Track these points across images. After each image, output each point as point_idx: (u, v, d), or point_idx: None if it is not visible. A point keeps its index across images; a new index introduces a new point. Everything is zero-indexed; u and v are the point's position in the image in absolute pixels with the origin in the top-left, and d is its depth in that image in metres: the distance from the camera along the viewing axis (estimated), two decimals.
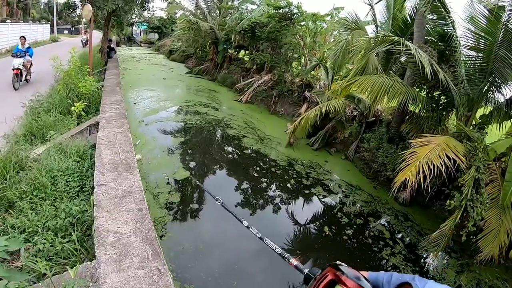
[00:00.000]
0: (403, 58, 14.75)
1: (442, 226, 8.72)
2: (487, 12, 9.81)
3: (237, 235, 8.59)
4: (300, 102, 21.23)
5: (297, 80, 22.25)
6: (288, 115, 21.24)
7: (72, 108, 12.62)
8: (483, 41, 10.29)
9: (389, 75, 12.28)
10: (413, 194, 11.29)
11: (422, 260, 9.27)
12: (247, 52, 30.01)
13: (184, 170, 11.88)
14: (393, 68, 14.76)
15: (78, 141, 9.55)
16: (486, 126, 11.33)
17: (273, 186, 12.05)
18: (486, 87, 10.72)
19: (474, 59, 11.13)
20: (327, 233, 9.46)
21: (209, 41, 31.93)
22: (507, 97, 10.69)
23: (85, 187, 7.58)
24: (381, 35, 9.74)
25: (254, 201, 10.91)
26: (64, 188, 7.23)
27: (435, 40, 12.46)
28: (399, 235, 10.16)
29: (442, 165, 8.20)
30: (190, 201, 10.24)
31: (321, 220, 10.33)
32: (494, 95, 10.98)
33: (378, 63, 12.76)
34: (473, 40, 10.63)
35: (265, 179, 12.48)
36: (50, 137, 9.75)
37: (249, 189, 11.61)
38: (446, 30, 11.86)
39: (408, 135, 12.65)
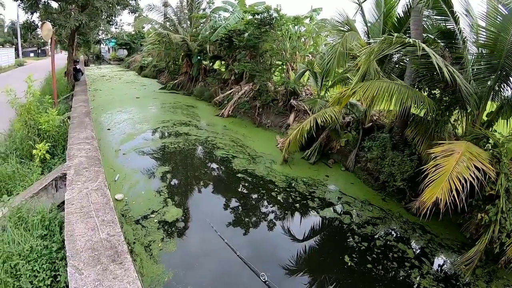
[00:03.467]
0: (395, 58, 14.44)
1: (479, 245, 8.27)
2: (503, 9, 9.61)
3: None
4: (286, 111, 20.74)
5: (281, 89, 21.68)
6: (275, 127, 20.66)
7: (34, 151, 10.73)
8: (493, 37, 10.11)
9: (390, 78, 11.77)
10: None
11: (452, 276, 8.81)
12: (223, 62, 29.43)
13: (176, 207, 10.72)
14: (386, 69, 14.28)
15: (42, 202, 7.86)
16: (493, 124, 11.17)
17: (277, 214, 11.28)
18: (494, 84, 10.49)
19: (485, 56, 10.85)
20: (349, 264, 8.80)
21: (182, 54, 31.32)
22: None
23: (59, 277, 5.90)
24: (395, 37, 9.21)
25: (260, 237, 10.15)
26: (32, 283, 5.66)
27: (434, 38, 12.07)
28: (422, 252, 9.73)
29: (473, 178, 7.65)
30: (192, 249, 9.03)
31: (339, 249, 9.60)
32: (501, 91, 10.78)
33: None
34: (484, 37, 10.44)
35: (267, 207, 11.66)
36: (3, 203, 7.64)
37: (251, 221, 10.77)
38: (447, 27, 11.53)
39: (413, 140, 12.15)
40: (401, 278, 8.56)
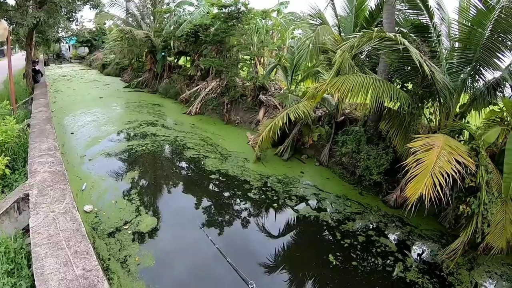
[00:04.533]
0: (365, 52, 14.45)
1: (462, 236, 8.42)
2: (480, 4, 9.70)
3: None
4: (256, 107, 20.52)
5: (249, 84, 21.40)
6: (245, 123, 20.44)
7: None
8: (468, 31, 10.35)
9: (364, 72, 11.76)
10: (403, 195, 11.06)
11: (435, 267, 8.98)
12: (188, 58, 28.86)
13: (149, 216, 10.16)
14: (358, 63, 14.25)
15: (4, 228, 7.04)
16: (466, 115, 11.42)
17: (254, 214, 11.07)
18: (467, 77, 10.73)
19: (459, 50, 11.10)
20: (334, 263, 8.71)
21: (146, 50, 30.46)
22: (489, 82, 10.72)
23: None
24: (375, 32, 9.17)
25: (240, 239, 9.95)
26: None
27: (407, 31, 12.12)
28: (404, 245, 9.85)
29: (455, 172, 7.69)
30: (172, 261, 8.44)
31: (323, 248, 9.49)
32: (474, 84, 11.01)
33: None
34: (460, 31, 10.66)
35: (244, 207, 11.37)
36: None
37: (228, 223, 10.49)
38: (421, 21, 11.64)
39: (388, 134, 12.20)
40: (387, 273, 8.59)
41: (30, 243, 6.03)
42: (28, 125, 13.49)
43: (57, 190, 7.93)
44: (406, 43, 9.04)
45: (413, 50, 9.05)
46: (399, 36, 9.11)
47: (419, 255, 9.59)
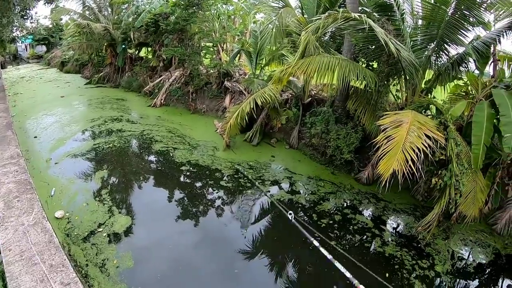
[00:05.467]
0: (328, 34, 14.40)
1: (436, 208, 8.63)
2: None
3: None
4: (221, 94, 20.30)
5: (213, 71, 21.07)
6: (211, 111, 20.16)
7: None
8: (430, 8, 10.42)
9: (329, 53, 11.70)
10: (374, 171, 11.19)
11: (412, 240, 9.18)
12: (149, 49, 28.17)
13: (123, 215, 9.79)
14: (323, 44, 14.18)
15: None
16: (431, 91, 11.65)
17: (229, 202, 10.93)
18: (432, 53, 10.90)
19: (423, 28, 11.18)
20: (313, 244, 8.67)
21: (105, 44, 29.40)
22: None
23: None
24: (341, 12, 9.09)
25: (217, 228, 9.77)
26: None
27: (370, 11, 12.12)
28: (380, 220, 10.01)
29: (426, 147, 7.77)
30: (151, 260, 8.14)
31: (302, 230, 9.31)
32: (438, 60, 11.21)
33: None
34: (424, 9, 10.80)
35: (218, 197, 11.17)
36: None
37: (204, 214, 10.29)
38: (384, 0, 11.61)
39: (356, 112, 12.25)
40: (366, 249, 8.71)
41: (2, 261, 5.66)
42: None
43: (24, 201, 7.72)
44: (371, 23, 9.05)
45: (378, 29, 9.09)
46: (364, 16, 9.06)
47: (395, 229, 9.74)
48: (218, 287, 7.52)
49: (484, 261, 8.67)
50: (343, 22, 9.59)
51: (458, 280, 8.07)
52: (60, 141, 16.09)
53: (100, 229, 9.09)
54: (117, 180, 12.43)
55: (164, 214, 10.24)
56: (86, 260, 7.85)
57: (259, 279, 7.95)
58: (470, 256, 8.82)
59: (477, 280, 8.25)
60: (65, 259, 5.69)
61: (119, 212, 9.98)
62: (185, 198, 11.12)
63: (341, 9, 9.38)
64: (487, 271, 8.50)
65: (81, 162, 13.62)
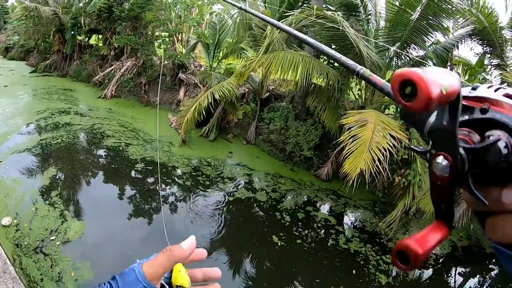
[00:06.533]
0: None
1: (400, 205, 8.86)
2: None
3: None
4: (175, 86, 19.69)
5: (167, 62, 20.46)
6: (165, 104, 19.40)
7: None
8: (395, 11, 10.77)
9: (292, 49, 11.62)
10: (334, 168, 11.32)
11: (374, 235, 9.43)
12: (100, 36, 26.94)
13: (77, 221, 8.97)
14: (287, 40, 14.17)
15: None
16: None
17: (188, 201, 10.53)
18: (395, 55, 11.29)
19: (387, 29, 11.49)
20: (279, 244, 8.58)
21: (53, 29, 27.79)
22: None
23: None
24: (314, 9, 9.07)
25: (173, 228, 9.26)
26: None
27: (335, 9, 12.16)
28: (342, 217, 10.23)
29: (392, 147, 7.87)
30: (113, 268, 7.35)
31: (265, 230, 9.32)
32: (399, 61, 11.59)
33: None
34: (389, 11, 10.97)
35: (176, 196, 10.77)
36: None
37: (158, 213, 9.74)
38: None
39: (316, 109, 12.23)
40: (332, 247, 8.77)
41: None
42: None
43: None
44: (345, 24, 9.08)
45: (350, 30, 9.11)
46: (339, 16, 9.08)
47: (358, 225, 9.90)
48: None
49: (443, 253, 9.05)
50: (313, 19, 9.49)
51: (419, 272, 8.39)
52: (3, 136, 14.65)
53: (53, 237, 8.29)
54: (67, 180, 11.51)
55: (121, 216, 9.63)
56: (41, 274, 7.16)
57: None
58: None
59: (435, 270, 8.62)
60: None
61: (72, 217, 9.17)
62: (139, 197, 10.58)
63: (315, 7, 9.30)
64: (446, 263, 8.93)
65: (27, 160, 12.45)
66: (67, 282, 6.99)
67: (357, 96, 12.01)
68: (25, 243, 8.02)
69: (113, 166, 12.71)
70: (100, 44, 26.89)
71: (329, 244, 8.85)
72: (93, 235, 8.58)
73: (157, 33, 22.53)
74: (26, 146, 13.58)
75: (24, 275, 6.81)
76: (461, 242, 9.44)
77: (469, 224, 9.48)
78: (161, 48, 21.42)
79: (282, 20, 10.11)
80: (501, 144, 0.57)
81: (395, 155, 8.49)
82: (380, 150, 7.72)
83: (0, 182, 10.66)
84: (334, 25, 9.21)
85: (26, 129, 15.78)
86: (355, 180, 7.70)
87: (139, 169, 12.22)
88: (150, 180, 11.73)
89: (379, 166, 7.61)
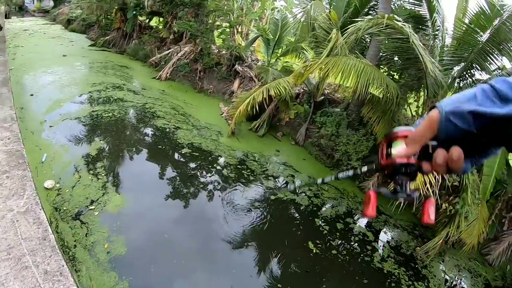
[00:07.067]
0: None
1: (443, 233, 8.73)
2: (486, 6, 9.78)
3: None
4: (230, 77, 19.98)
5: (225, 52, 20.77)
6: (218, 93, 19.85)
7: None
8: (464, 30, 10.54)
9: (355, 55, 11.56)
10: (379, 183, 11.22)
11: (410, 259, 9.23)
12: (161, 19, 27.64)
13: (117, 194, 9.29)
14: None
15: None
16: None
17: (230, 193, 10.65)
18: (459, 75, 10.99)
19: (454, 48, 11.17)
20: (314, 251, 8.64)
21: (116, 7, 28.87)
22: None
23: None
24: (385, 18, 8.99)
25: (214, 216, 9.55)
26: None
27: (401, 20, 12.01)
28: (381, 234, 10.12)
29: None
30: (144, 248, 7.75)
31: (300, 234, 9.42)
32: (461, 82, 11.25)
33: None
34: (458, 30, 10.71)
35: (219, 187, 10.89)
36: None
37: (202, 202, 10.07)
38: (420, 12, 11.53)
39: (370, 120, 12.13)
40: (365, 263, 8.66)
41: None
42: None
43: (14, 179, 6.48)
44: (415, 39, 8.93)
45: (418, 43, 8.99)
46: (409, 28, 8.96)
47: (394, 245, 9.73)
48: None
49: None
50: (381, 28, 9.44)
51: None
52: (57, 102, 15.55)
53: (92, 207, 8.63)
54: (113, 154, 11.97)
55: (159, 196, 9.90)
56: (75, 241, 7.47)
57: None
58: (463, 283, 9.06)
59: None
60: (63, 265, 4.62)
61: (113, 190, 9.50)
62: (184, 182, 10.84)
63: (385, 15, 9.21)
64: None
65: (77, 129, 13.04)
66: (99, 253, 7.23)
67: (414, 113, 11.78)
68: (64, 208, 8.37)
69: (160, 146, 13.06)
70: (160, 27, 27.59)
71: (363, 260, 8.76)
72: (131, 211, 8.86)
73: (217, 23, 22.80)
74: (77, 115, 14.21)
75: (58, 239, 7.07)
76: (495, 282, 9.19)
77: (506, 263, 9.24)
78: (220, 38, 21.76)
79: (350, 26, 10.13)
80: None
81: (447, 180, 8.32)
82: (433, 173, 7.57)
83: (48, 146, 11.20)
84: (401, 37, 9.10)
85: (79, 98, 16.49)
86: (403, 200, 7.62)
87: (184, 153, 12.52)
88: (193, 165, 12.01)
89: (429, 190, 7.50)
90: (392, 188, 1.34)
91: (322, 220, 9.98)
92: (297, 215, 10.26)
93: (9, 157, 7.03)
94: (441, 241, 8.63)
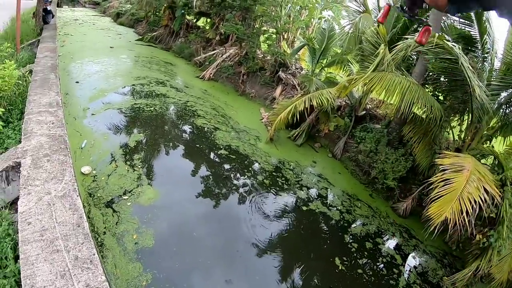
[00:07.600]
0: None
1: (473, 265, 8.57)
2: None
3: None
4: (273, 83, 20.18)
5: (269, 58, 21.02)
6: (259, 98, 20.08)
7: None
8: None
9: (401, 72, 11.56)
10: (413, 205, 11.12)
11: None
12: (208, 20, 28.21)
13: (151, 188, 9.68)
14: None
15: None
16: (491, 139, 11.37)
17: (263, 199, 10.84)
18: (506, 101, 10.73)
19: (502, 73, 10.89)
20: (339, 268, 8.73)
21: (165, 5, 29.70)
22: None
23: None
24: (436, 37, 9.09)
25: (243, 220, 9.75)
26: None
27: (450, 40, 11.90)
28: (409, 259, 9.97)
29: (483, 202, 7.63)
30: (172, 244, 8.01)
31: (326, 248, 9.53)
32: (507, 109, 10.95)
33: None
34: (509, 54, 10.44)
35: (251, 192, 11.10)
36: None
37: (236, 212, 10.18)
38: (471, 33, 11.37)
39: (410, 140, 12.03)
40: (390, 286, 8.64)
41: (17, 230, 4.91)
42: (30, 71, 12.02)
43: (55, 163, 6.53)
44: (464, 61, 8.89)
45: (467, 66, 8.95)
46: (459, 50, 8.92)
47: (421, 272, 9.60)
48: None
49: None
50: (430, 46, 9.44)
51: None
52: (101, 92, 16.32)
53: (126, 197, 9.01)
54: (151, 147, 12.44)
55: (191, 193, 10.20)
56: (105, 228, 7.85)
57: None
58: None
59: None
60: (94, 254, 4.72)
61: (148, 184, 9.88)
62: (214, 182, 11.14)
63: (436, 34, 9.23)
64: None
65: (119, 120, 13.66)
66: (127, 243, 7.59)
67: (456, 137, 11.64)
68: (98, 194, 8.82)
69: (197, 145, 13.44)
70: (207, 27, 28.18)
71: (388, 283, 8.72)
72: (163, 205, 9.20)
73: (264, 28, 23.09)
74: (119, 106, 14.89)
75: (89, 224, 7.32)
76: None
77: None
78: (266, 43, 22.03)
79: (397, 42, 10.14)
80: None
81: (484, 211, 8.19)
82: (470, 202, 7.51)
83: (89, 133, 11.84)
84: (449, 57, 9.06)
85: (122, 90, 17.23)
86: (437, 226, 7.58)
87: (220, 154, 12.83)
88: (227, 167, 12.29)
89: (466, 219, 7.42)
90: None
91: (351, 237, 10.01)
92: (326, 228, 10.34)
93: (52, 141, 7.25)
94: (470, 273, 8.48)
